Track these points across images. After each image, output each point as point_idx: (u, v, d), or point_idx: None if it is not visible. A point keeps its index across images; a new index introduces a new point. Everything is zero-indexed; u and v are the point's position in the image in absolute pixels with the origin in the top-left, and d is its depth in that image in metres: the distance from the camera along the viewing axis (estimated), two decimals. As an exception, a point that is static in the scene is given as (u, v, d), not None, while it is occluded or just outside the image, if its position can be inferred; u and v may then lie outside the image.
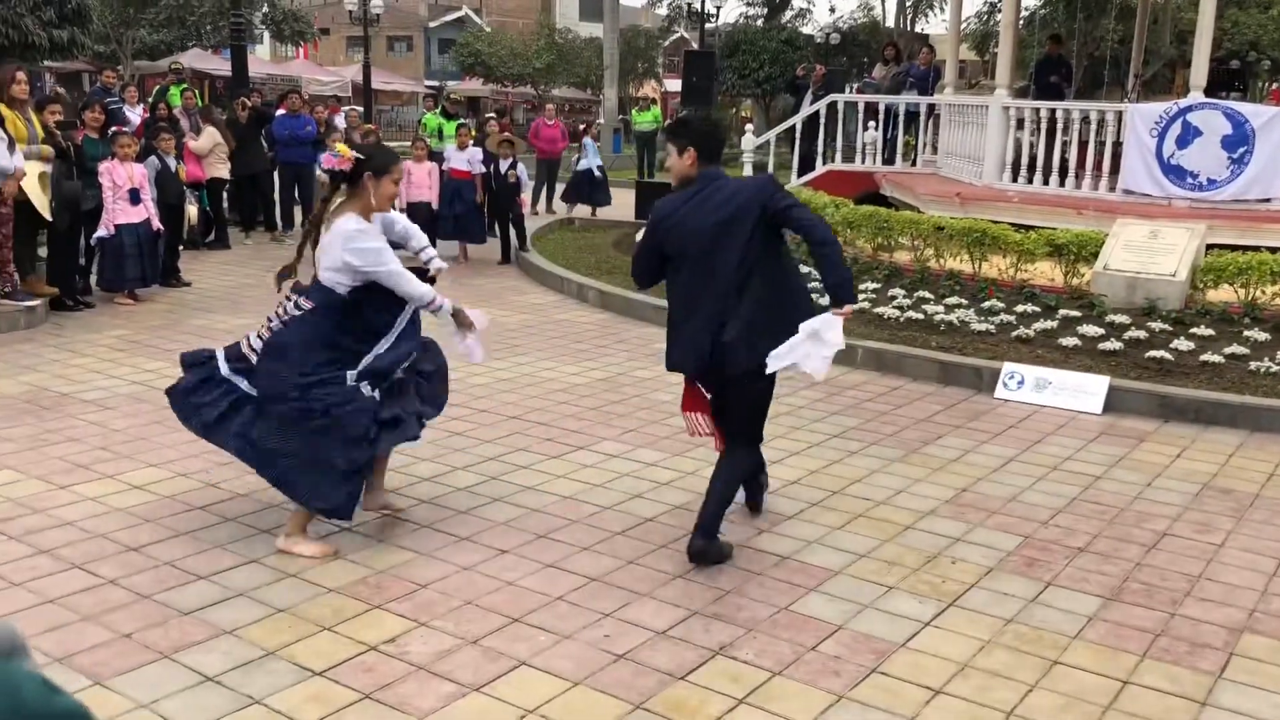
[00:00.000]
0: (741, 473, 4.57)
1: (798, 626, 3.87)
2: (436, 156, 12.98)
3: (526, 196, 13.90)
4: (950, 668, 3.61)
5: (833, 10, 42.36)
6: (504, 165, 12.56)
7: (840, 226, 10.86)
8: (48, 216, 8.56)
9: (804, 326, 4.19)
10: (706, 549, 4.33)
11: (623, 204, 17.10)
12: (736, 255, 4.19)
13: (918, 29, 44.26)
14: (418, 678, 3.46)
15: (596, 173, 16.73)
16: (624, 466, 5.54)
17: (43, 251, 9.13)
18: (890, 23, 44.89)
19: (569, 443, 5.90)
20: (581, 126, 19.78)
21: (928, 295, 8.74)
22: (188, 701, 3.29)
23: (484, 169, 12.54)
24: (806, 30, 41.06)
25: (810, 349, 4.20)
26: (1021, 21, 16.70)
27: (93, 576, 4.10)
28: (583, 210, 16.69)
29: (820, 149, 14.04)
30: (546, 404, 6.66)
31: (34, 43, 16.12)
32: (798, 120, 14.42)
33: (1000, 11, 19.63)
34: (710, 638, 3.76)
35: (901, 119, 13.78)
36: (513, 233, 12.67)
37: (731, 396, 4.45)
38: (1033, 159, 11.25)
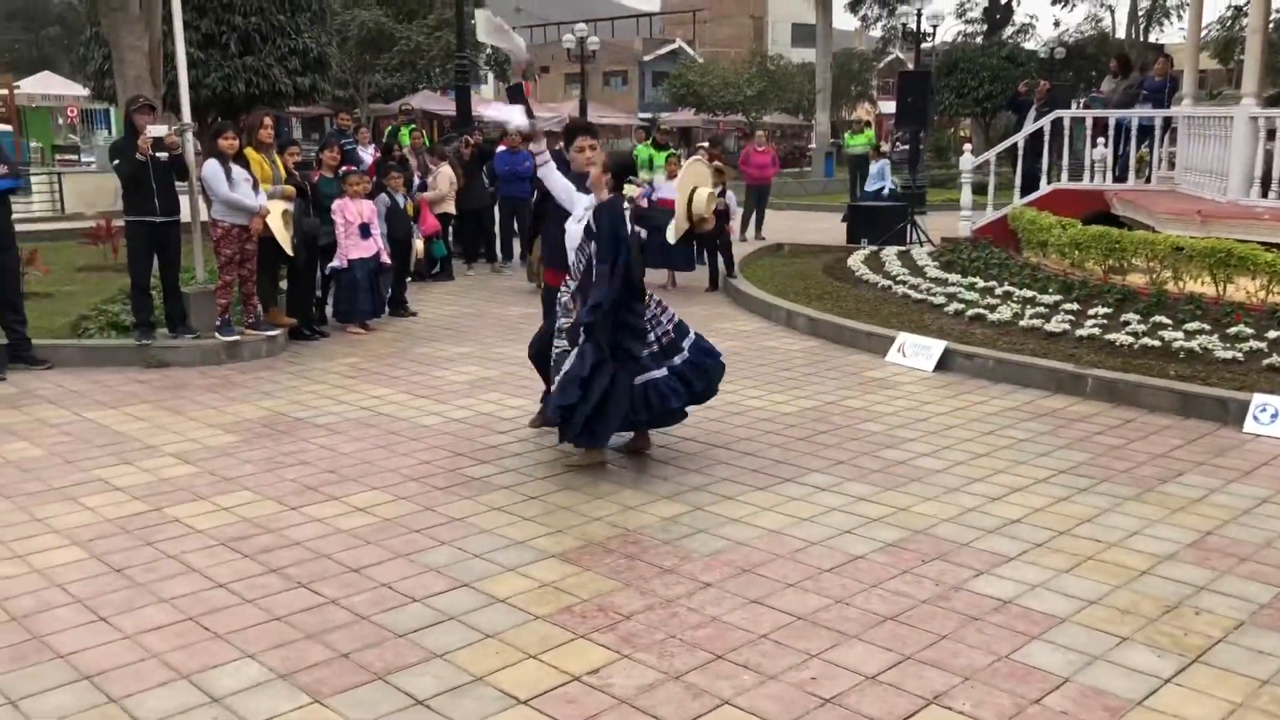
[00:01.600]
0: None
1: (1020, 677, 3.61)
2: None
3: (735, 224, 13.88)
4: (1194, 731, 3.28)
5: (1057, 24, 40.57)
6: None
7: (1068, 248, 10.33)
8: (289, 252, 9.14)
9: None
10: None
11: (834, 227, 16.88)
12: None
13: (1151, 39, 41.90)
14: (620, 712, 3.42)
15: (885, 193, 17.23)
16: (833, 500, 5.37)
17: (283, 285, 9.76)
18: (1121, 34, 42.66)
19: (776, 474, 5.78)
20: (874, 148, 20.92)
21: (1165, 320, 8.15)
22: (398, 723, 3.37)
23: (693, 197, 12.58)
24: (1029, 45, 39.52)
25: None
26: (1271, 25, 15.48)
27: (316, 596, 4.29)
28: (803, 235, 16.52)
29: (1045, 167, 13.40)
30: (753, 433, 6.56)
31: (280, 90, 17.38)
32: (1020, 138, 13.83)
33: (1246, 16, 18.27)
34: (924, 685, 3.56)
35: (1134, 134, 12.97)
36: (720, 260, 12.66)
37: None
38: (1286, 172, 10.36)
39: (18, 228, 8.73)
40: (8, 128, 26.44)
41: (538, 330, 6.46)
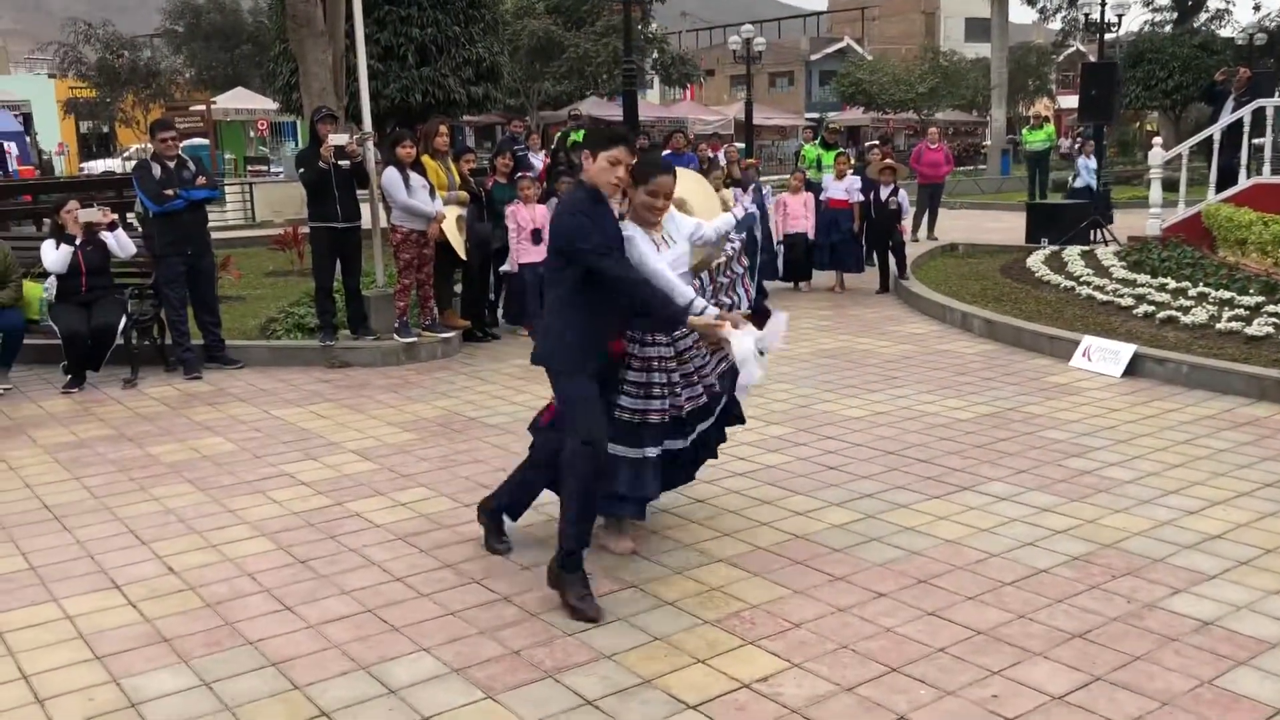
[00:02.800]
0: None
1: (1225, 705, 3.36)
2: (815, 188, 12.95)
3: (907, 223, 13.53)
4: None
5: (1257, 8, 38.06)
6: (884, 192, 12.30)
7: (1271, 246, 9.66)
8: (463, 256, 9.38)
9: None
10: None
11: (1012, 226, 16.27)
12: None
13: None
14: (791, 722, 3.34)
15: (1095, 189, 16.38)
16: (1014, 510, 5.13)
17: (457, 288, 10.02)
18: (1329, 16, 39.73)
19: (952, 482, 5.57)
20: (1077, 144, 19.26)
21: (1384, 323, 7.51)
22: (568, 723, 3.37)
23: (861, 197, 12.35)
24: (1224, 33, 37.23)
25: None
26: None
27: (489, 592, 4.35)
28: (1002, 235, 16.01)
29: (1244, 161, 12.56)
30: (927, 439, 6.35)
31: (455, 99, 17.85)
32: (1216, 129, 13.00)
33: None
34: (1116, 709, 3.35)
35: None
36: (892, 261, 12.36)
37: None
38: None
39: (213, 235, 9.24)
40: (205, 141, 28.09)
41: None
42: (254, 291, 11.76)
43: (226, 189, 22.21)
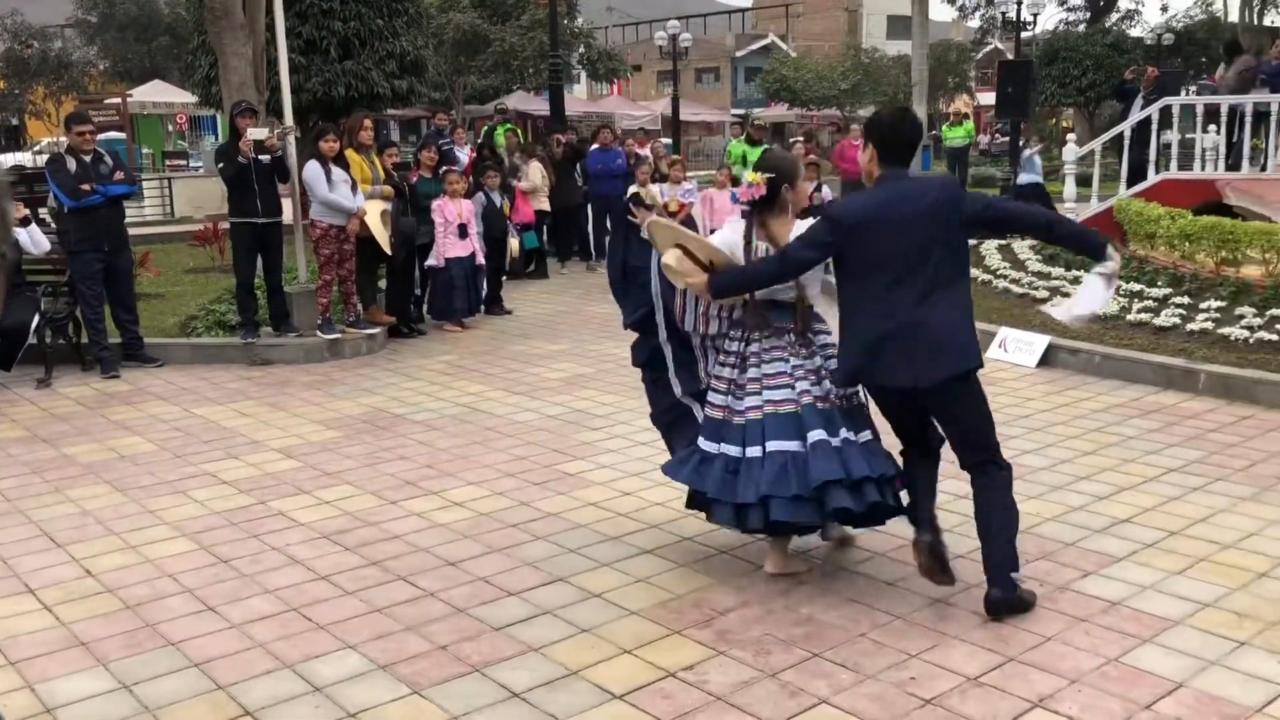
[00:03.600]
0: (1011, 494, 4.00)
1: (1130, 681, 3.49)
2: (738, 183, 13.07)
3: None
4: (1319, 742, 3.13)
5: (1165, 9, 39.29)
6: (808, 188, 12.46)
7: (1177, 239, 9.96)
8: (388, 251, 9.30)
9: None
10: (1005, 599, 3.89)
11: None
12: (938, 254, 3.85)
13: (1265, 23, 40.28)
14: (716, 708, 3.39)
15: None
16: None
17: (382, 284, 9.94)
18: (1234, 18, 41.09)
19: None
20: (1022, 141, 17.89)
21: (1283, 314, 7.81)
22: (495, 716, 3.39)
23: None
24: (1135, 33, 38.29)
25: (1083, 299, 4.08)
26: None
27: (416, 589, 4.35)
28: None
29: (1153, 157, 12.96)
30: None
31: (379, 93, 17.70)
32: (1126, 127, 13.39)
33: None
34: (1029, 688, 3.46)
35: (1248, 121, 12.46)
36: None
37: (946, 412, 3.98)
38: None
39: (130, 231, 9.04)
40: (121, 135, 27.42)
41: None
42: (173, 288, 11.53)
43: (144, 184, 21.71)
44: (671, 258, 4.16)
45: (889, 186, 3.96)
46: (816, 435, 4.05)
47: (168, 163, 29.24)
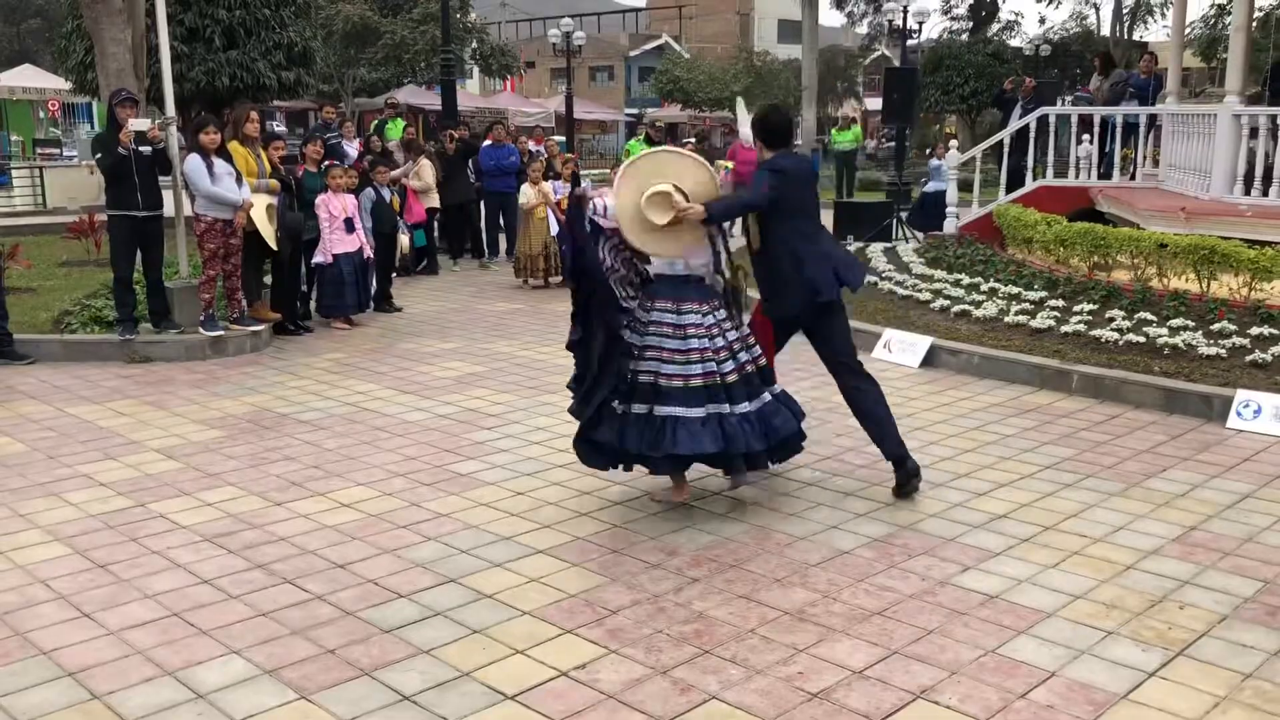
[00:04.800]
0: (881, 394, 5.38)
1: (1006, 671, 3.62)
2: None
3: (723, 220, 13.81)
4: (1179, 725, 3.30)
5: (1043, 21, 40.80)
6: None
7: (1053, 244, 10.36)
8: (274, 246, 9.10)
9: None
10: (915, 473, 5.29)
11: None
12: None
13: (1135, 37, 42.08)
14: (607, 706, 3.41)
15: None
16: (819, 495, 5.38)
17: (267, 280, 9.71)
18: (1105, 31, 42.83)
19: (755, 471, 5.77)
20: (930, 149, 17.37)
21: (1149, 317, 8.18)
22: (385, 719, 3.35)
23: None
24: (1014, 43, 39.66)
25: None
26: (1254, 23, 15.55)
27: (302, 592, 4.27)
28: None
29: (1030, 164, 13.45)
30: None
31: (265, 84, 17.28)
32: (1006, 135, 13.86)
33: (1230, 14, 18.38)
34: (910, 679, 3.57)
35: (1119, 131, 13.02)
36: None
37: (825, 329, 5.29)
38: (1268, 170, 10.43)
39: (-1, 222, 8.66)
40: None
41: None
42: (46, 282, 11.08)
43: (14, 173, 20.81)
44: (666, 187, 4.87)
45: (789, 155, 5.27)
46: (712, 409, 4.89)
47: (39, 151, 28.10)
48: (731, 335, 5.06)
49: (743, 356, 5.05)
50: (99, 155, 8.47)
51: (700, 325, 4.97)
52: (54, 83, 29.71)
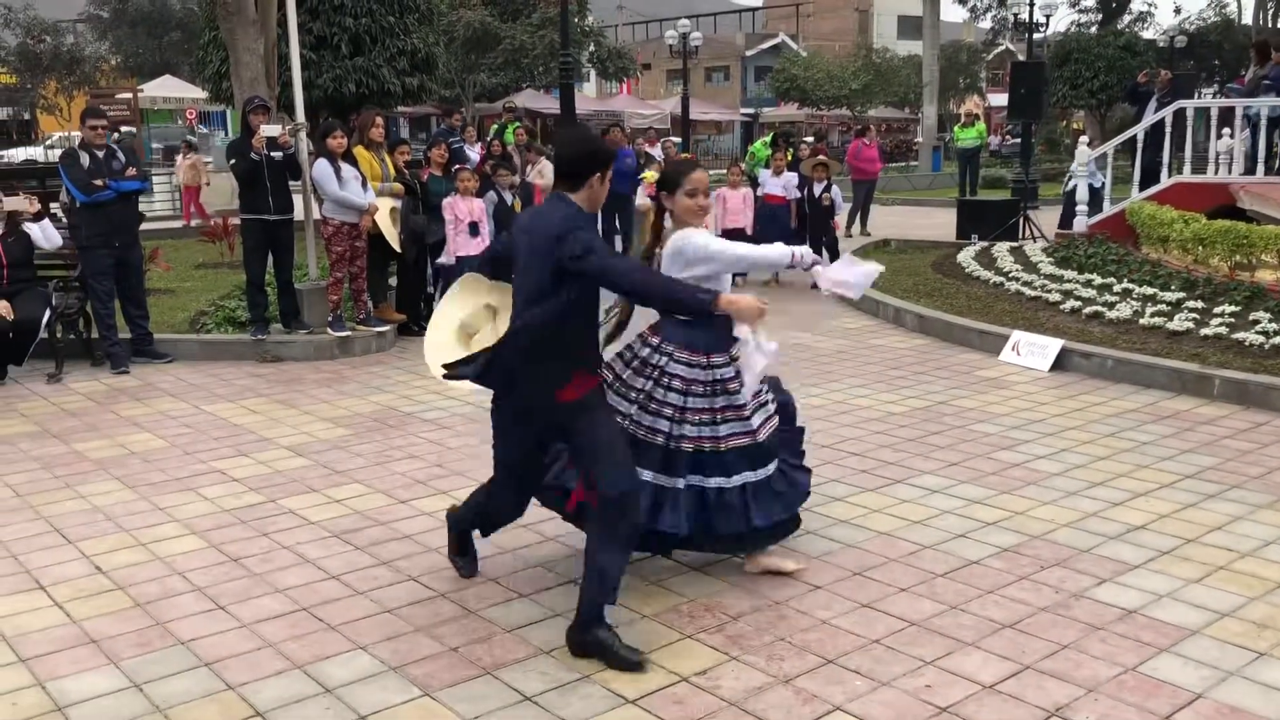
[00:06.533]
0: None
1: (1147, 691, 3.45)
2: (754, 182, 13.04)
3: (841, 219, 13.67)
4: (1340, 755, 3.09)
5: (1178, 11, 39.22)
6: (818, 188, 12.43)
7: (1191, 243, 9.93)
8: (397, 248, 9.29)
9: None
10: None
11: (943, 223, 16.51)
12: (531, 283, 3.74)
13: (1280, 25, 40.08)
14: (729, 714, 3.37)
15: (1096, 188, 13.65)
16: (946, 503, 5.23)
17: (392, 281, 9.92)
18: (1248, 20, 40.93)
19: (886, 475, 5.65)
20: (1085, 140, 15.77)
21: (1298, 319, 7.75)
22: (506, 719, 3.36)
23: (799, 194, 12.47)
24: (1147, 35, 38.18)
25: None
26: None
27: (426, 589, 4.33)
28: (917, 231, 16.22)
29: (1166, 160, 12.89)
30: (861, 433, 6.43)
31: (389, 90, 17.68)
32: (1140, 129, 13.32)
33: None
34: (1044, 696, 3.43)
35: (1265, 124, 12.38)
36: (825, 256, 12.49)
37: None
38: None
39: (140, 226, 9.04)
40: (131, 130, 27.49)
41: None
42: (183, 284, 11.54)
43: (155, 179, 21.75)
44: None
45: (534, 208, 4.05)
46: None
47: (185, 142, 29.27)
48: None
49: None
50: (233, 161, 8.77)
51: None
52: (192, 92, 31.04)
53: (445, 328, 4.46)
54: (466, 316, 4.44)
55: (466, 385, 4.03)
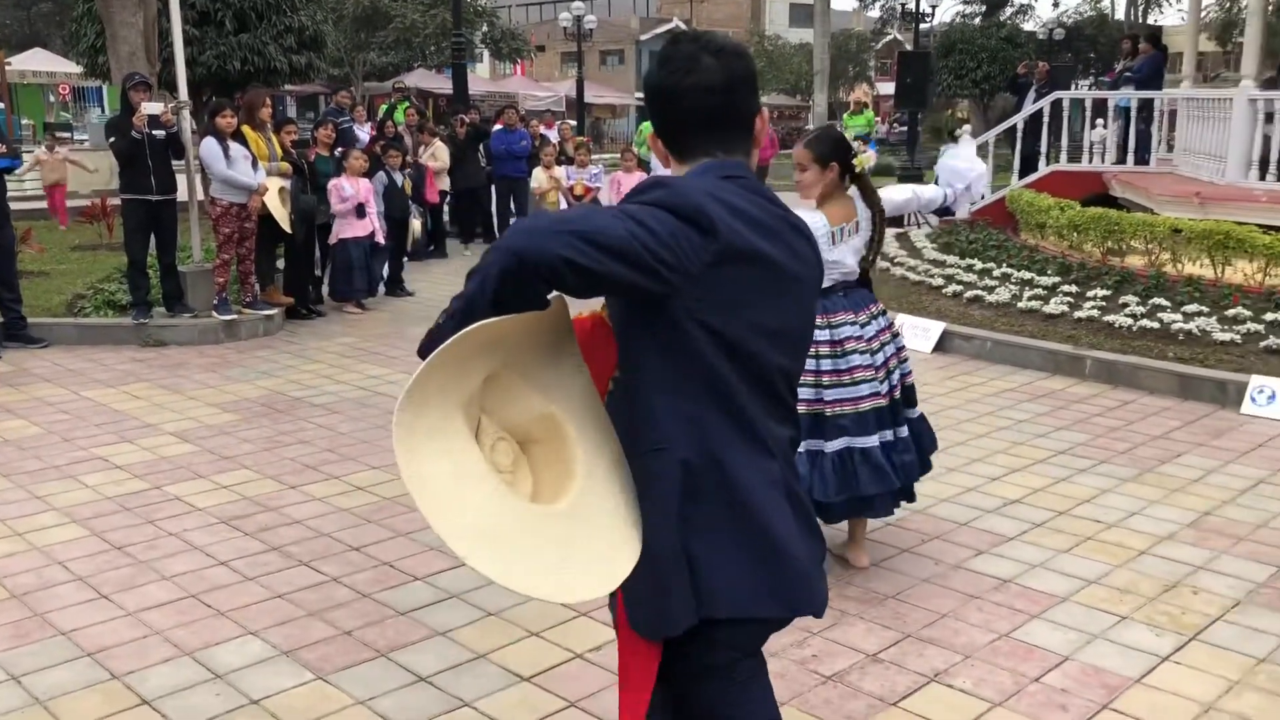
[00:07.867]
0: None
1: (1020, 655, 3.63)
2: (647, 166, 13.11)
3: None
4: (1192, 709, 3.30)
5: (1056, 5, 40.61)
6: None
7: (1066, 229, 10.33)
8: (288, 229, 9.10)
9: None
10: None
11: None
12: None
13: (1149, 21, 41.84)
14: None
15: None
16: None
17: (280, 263, 9.73)
18: (1120, 16, 42.57)
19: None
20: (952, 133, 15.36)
21: (1163, 302, 8.14)
22: (402, 700, 3.37)
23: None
24: (1028, 27, 39.43)
25: None
26: (1270, 7, 15.45)
27: (318, 574, 4.29)
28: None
29: (1044, 149, 13.39)
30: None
31: (276, 68, 17.23)
32: (1019, 119, 13.80)
33: (1245, -3, 18.24)
34: (924, 663, 3.58)
35: (1134, 116, 12.95)
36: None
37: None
38: (1284, 154, 10.36)
39: (11, 206, 8.68)
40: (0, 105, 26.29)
41: None
42: (59, 266, 11.12)
43: (25, 157, 20.83)
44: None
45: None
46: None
47: (50, 135, 28.11)
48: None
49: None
50: (112, 139, 8.48)
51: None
52: (65, 66, 29.75)
53: (444, 450, 1.84)
54: (492, 429, 1.93)
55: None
